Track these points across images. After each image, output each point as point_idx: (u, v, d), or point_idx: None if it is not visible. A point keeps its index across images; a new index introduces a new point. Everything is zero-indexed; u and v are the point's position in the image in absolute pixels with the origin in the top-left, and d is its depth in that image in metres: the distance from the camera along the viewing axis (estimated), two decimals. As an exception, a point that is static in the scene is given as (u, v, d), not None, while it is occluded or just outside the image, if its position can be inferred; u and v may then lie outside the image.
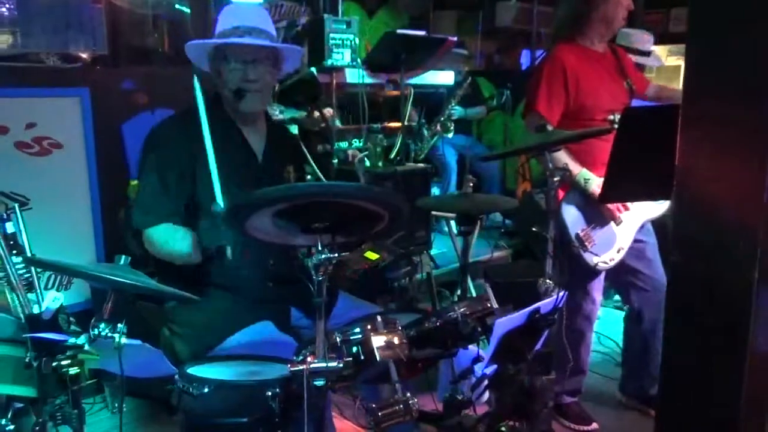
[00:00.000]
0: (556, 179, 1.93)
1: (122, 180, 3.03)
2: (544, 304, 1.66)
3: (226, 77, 1.95)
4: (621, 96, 2.56)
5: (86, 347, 1.46)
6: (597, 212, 2.51)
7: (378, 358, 1.44)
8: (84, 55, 3.13)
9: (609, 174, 2.05)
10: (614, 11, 2.49)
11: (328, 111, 3.39)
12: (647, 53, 3.74)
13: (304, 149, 2.20)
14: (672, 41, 5.25)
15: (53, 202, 2.80)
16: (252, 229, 1.45)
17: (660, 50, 4.69)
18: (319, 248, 1.37)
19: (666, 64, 4.89)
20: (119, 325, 1.44)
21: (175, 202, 1.91)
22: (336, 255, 1.38)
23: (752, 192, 1.19)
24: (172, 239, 1.89)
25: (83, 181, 2.90)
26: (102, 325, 1.42)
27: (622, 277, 2.67)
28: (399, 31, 4.04)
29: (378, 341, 1.45)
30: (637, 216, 2.57)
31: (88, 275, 1.53)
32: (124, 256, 1.53)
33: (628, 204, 2.52)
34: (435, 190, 4.39)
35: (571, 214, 2.49)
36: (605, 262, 2.50)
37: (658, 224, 2.66)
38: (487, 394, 1.74)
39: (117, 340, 1.42)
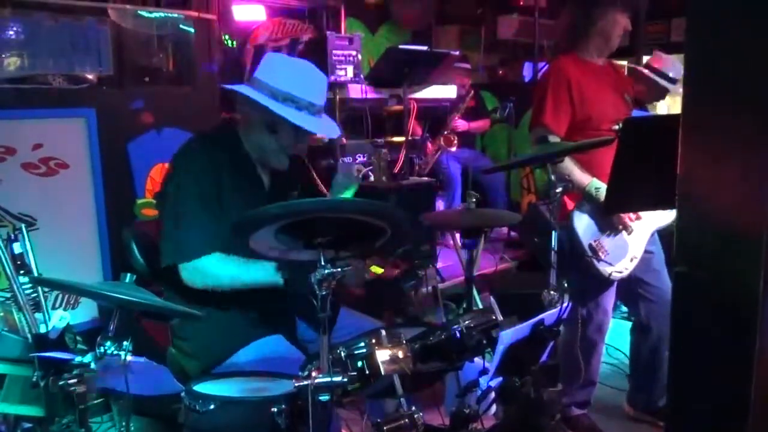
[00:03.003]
0: (558, 190, 1.93)
1: (128, 199, 3.06)
2: (548, 316, 1.66)
3: (279, 132, 1.92)
4: (622, 108, 2.57)
5: (93, 366, 1.47)
6: (608, 222, 2.50)
7: (383, 373, 1.43)
8: (90, 76, 3.16)
9: (612, 184, 2.05)
10: (612, 28, 2.52)
11: None
12: (674, 81, 3.74)
13: (308, 165, 2.21)
14: (674, 51, 5.26)
15: (60, 222, 2.82)
16: (256, 246, 1.46)
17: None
18: (322, 263, 1.38)
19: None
20: (125, 342, 1.45)
21: (217, 227, 1.84)
22: (339, 270, 1.39)
23: (755, 199, 1.19)
24: (245, 267, 1.82)
25: (90, 201, 2.91)
26: (108, 343, 1.43)
27: (629, 289, 2.66)
28: (401, 46, 4.08)
29: (383, 355, 1.44)
30: (648, 225, 2.56)
31: (94, 294, 1.54)
32: (129, 274, 1.55)
33: (639, 213, 2.52)
34: (440, 204, 4.39)
35: (583, 224, 2.49)
36: (619, 272, 2.49)
37: (666, 234, 2.65)
38: (494, 407, 1.73)
39: (123, 357, 1.43)
